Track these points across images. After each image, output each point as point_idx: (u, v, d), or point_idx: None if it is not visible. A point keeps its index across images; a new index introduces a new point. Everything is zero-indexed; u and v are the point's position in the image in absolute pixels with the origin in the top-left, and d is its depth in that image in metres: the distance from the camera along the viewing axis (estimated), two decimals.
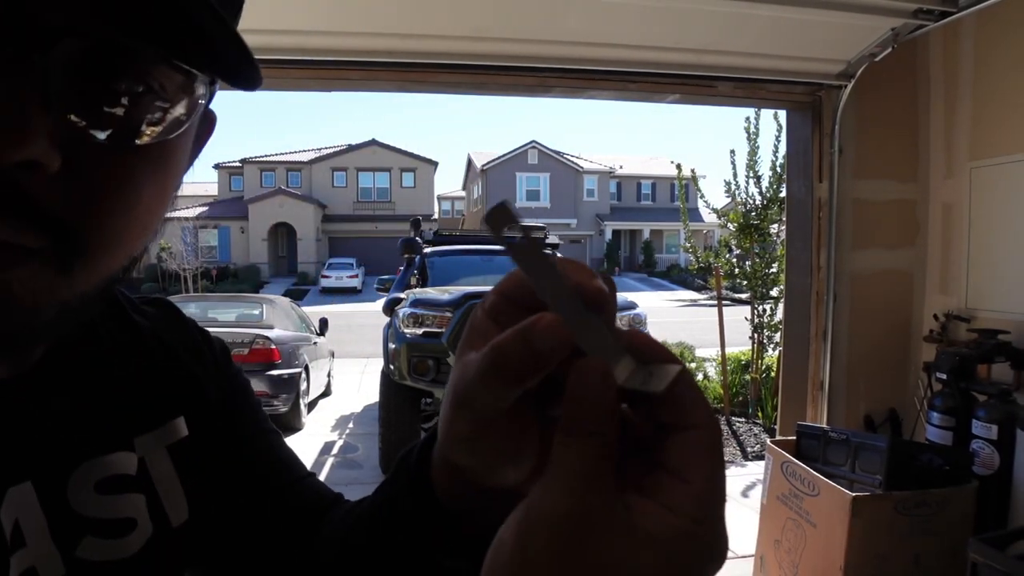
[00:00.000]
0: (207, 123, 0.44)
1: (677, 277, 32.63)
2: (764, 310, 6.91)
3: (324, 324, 8.35)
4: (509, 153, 36.64)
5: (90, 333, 0.47)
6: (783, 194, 5.58)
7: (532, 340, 0.29)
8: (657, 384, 0.28)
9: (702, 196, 8.16)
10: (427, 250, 6.50)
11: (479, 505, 0.36)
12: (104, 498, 0.43)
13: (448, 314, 4.61)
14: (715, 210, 7.93)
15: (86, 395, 0.45)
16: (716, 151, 30.26)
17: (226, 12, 0.32)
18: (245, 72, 0.34)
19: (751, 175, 6.94)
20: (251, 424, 0.57)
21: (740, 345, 7.44)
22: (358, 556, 0.46)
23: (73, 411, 0.44)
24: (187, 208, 31.00)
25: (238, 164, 35.51)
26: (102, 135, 0.31)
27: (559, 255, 0.30)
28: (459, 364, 0.32)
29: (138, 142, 0.32)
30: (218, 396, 0.55)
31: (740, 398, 7.08)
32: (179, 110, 0.34)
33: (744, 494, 4.66)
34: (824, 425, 3.43)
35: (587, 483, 0.26)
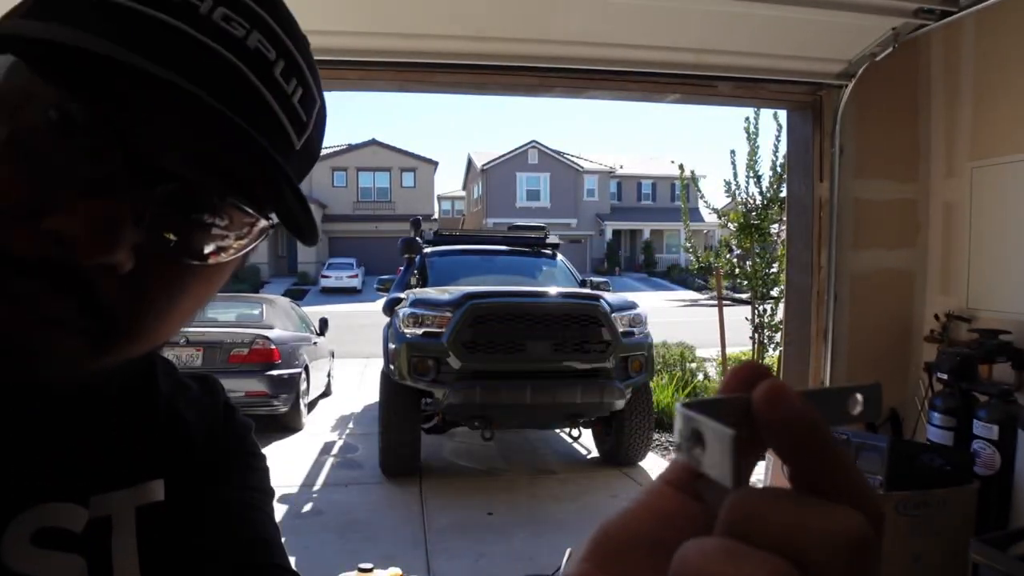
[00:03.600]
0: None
1: (677, 277, 32.62)
2: (764, 310, 6.91)
3: (324, 324, 8.34)
4: (509, 153, 36.63)
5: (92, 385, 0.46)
6: (783, 194, 5.58)
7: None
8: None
9: (702, 196, 8.16)
10: (427, 250, 6.49)
11: None
12: (38, 552, 0.39)
13: (448, 314, 4.60)
14: (715, 210, 7.93)
15: (50, 437, 0.43)
16: (716, 151, 30.29)
17: (298, 177, 0.41)
18: (306, 229, 0.44)
19: (751, 175, 6.93)
20: (248, 503, 0.54)
21: (740, 345, 7.44)
22: None
23: (35, 452, 0.41)
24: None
25: None
26: (171, 253, 0.37)
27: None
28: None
29: (196, 263, 0.38)
30: (215, 467, 0.52)
31: None
32: (240, 243, 0.40)
33: None
34: None
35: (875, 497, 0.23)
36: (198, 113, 0.34)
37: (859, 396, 0.25)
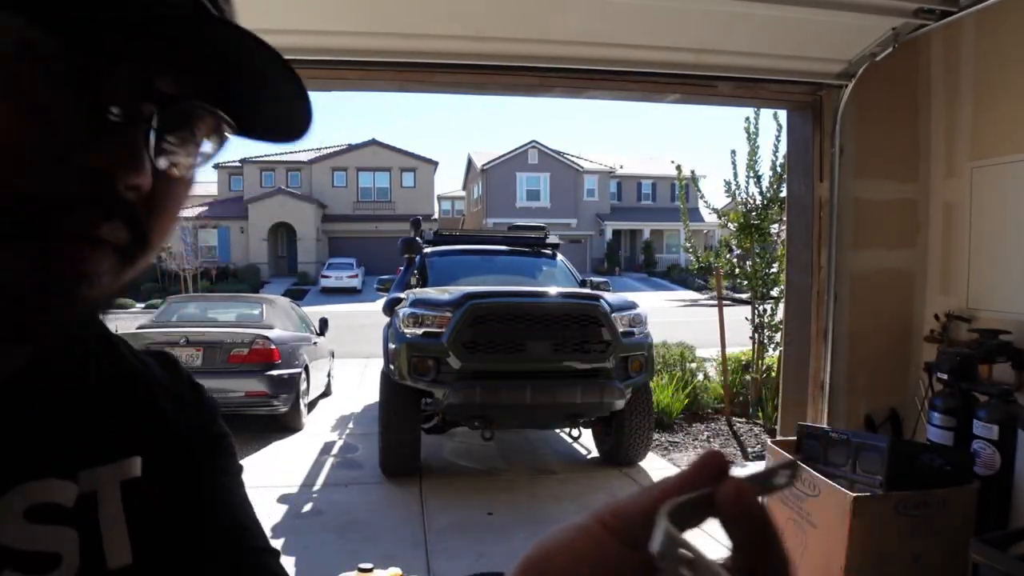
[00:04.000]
0: None
1: (677, 277, 32.61)
2: (764, 310, 6.90)
3: (324, 324, 8.34)
4: (509, 153, 36.61)
5: (69, 360, 0.48)
6: (783, 194, 5.58)
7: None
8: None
9: (702, 196, 8.16)
10: (427, 250, 6.48)
11: None
12: (32, 527, 0.41)
13: (448, 314, 4.60)
14: (715, 210, 7.93)
15: (38, 416, 0.44)
16: (716, 151, 30.26)
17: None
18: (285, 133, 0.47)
19: (751, 175, 6.93)
20: (223, 486, 0.55)
21: (740, 345, 7.43)
22: None
23: (20, 430, 0.42)
24: (187, 208, 30.94)
25: (238, 164, 35.46)
26: (176, 169, 0.42)
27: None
28: None
29: (187, 175, 0.44)
30: (188, 446, 0.53)
31: (740, 398, 7.08)
32: (215, 147, 0.45)
33: None
34: (825, 425, 3.43)
35: None
36: (175, 35, 0.38)
37: (784, 472, 0.32)
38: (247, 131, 0.46)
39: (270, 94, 0.43)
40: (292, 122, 0.45)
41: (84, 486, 0.44)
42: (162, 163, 0.41)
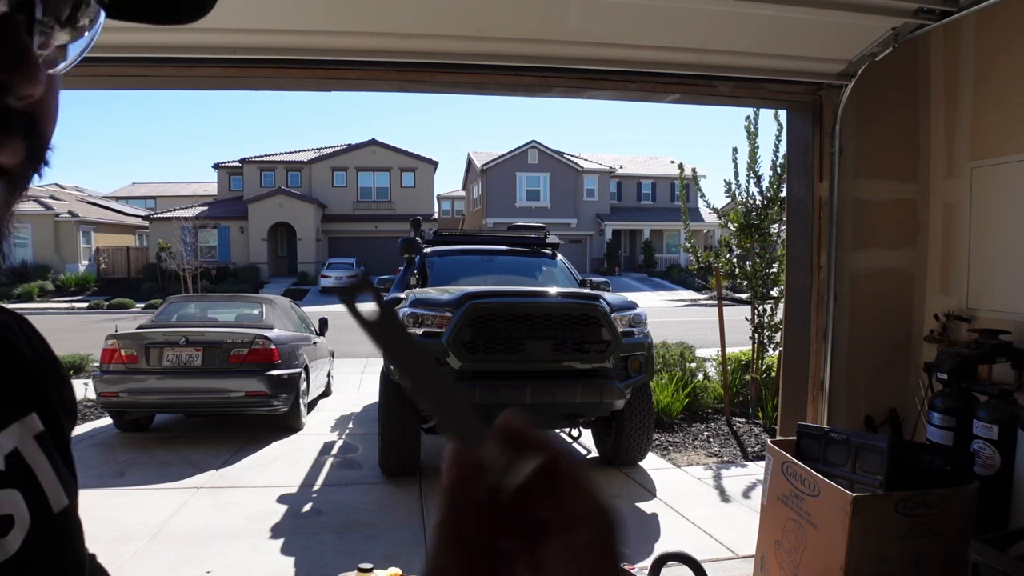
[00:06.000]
0: None
1: (677, 277, 32.60)
2: (764, 310, 6.90)
3: (324, 324, 8.34)
4: (509, 153, 36.60)
5: None
6: (783, 194, 5.58)
7: None
8: (511, 479, 0.27)
9: (702, 196, 8.15)
10: (427, 250, 6.49)
11: None
12: None
13: (448, 314, 4.60)
14: (715, 210, 7.93)
15: None
16: (716, 151, 30.37)
17: None
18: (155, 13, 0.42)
19: (751, 175, 6.93)
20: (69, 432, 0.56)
21: (740, 345, 7.44)
22: None
23: None
24: (187, 208, 31.01)
25: (238, 164, 35.47)
26: (53, 69, 0.37)
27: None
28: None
29: (73, 66, 0.39)
30: (64, 403, 0.54)
31: (740, 398, 7.08)
32: (91, 32, 0.40)
33: (745, 494, 4.65)
34: (824, 425, 3.43)
35: None
36: None
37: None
38: (122, 11, 0.41)
39: None
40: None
41: (4, 447, 0.44)
42: (50, 65, 0.37)
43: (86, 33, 0.40)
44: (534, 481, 0.28)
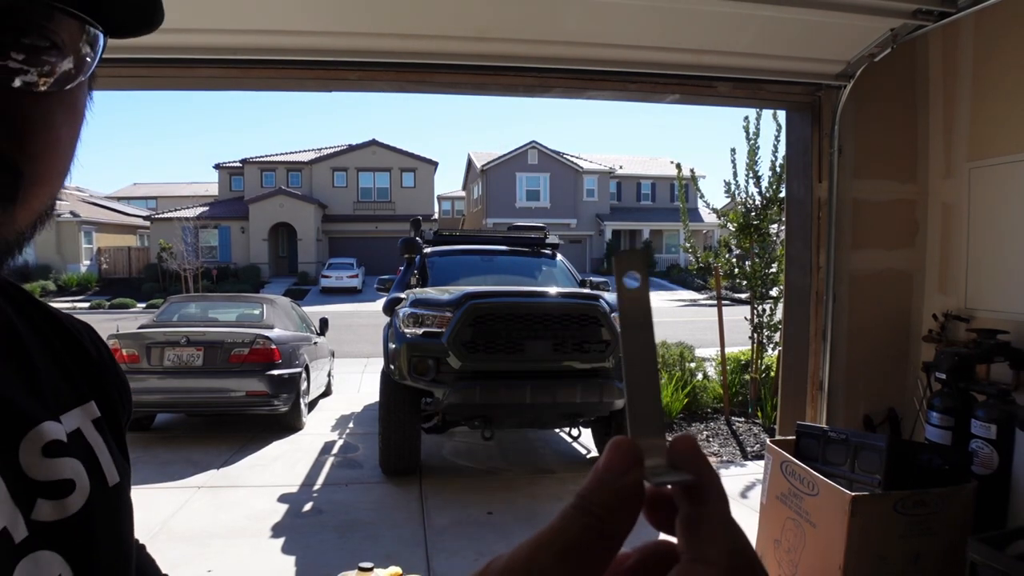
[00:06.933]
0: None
1: (677, 277, 32.61)
2: (764, 310, 6.91)
3: (324, 324, 8.35)
4: (509, 153, 36.60)
5: (4, 312, 0.51)
6: (783, 194, 5.59)
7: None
8: (661, 480, 0.31)
9: (702, 196, 8.16)
10: (427, 250, 6.49)
11: None
12: (48, 461, 0.46)
13: (448, 314, 4.61)
14: (715, 210, 7.94)
15: (19, 369, 0.49)
16: (716, 151, 30.34)
17: None
18: (134, 24, 0.43)
19: (751, 175, 6.94)
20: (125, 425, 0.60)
21: (740, 345, 7.44)
22: None
23: (13, 379, 0.47)
24: (188, 208, 31.03)
25: (238, 164, 35.47)
26: (18, 82, 0.37)
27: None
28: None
29: (55, 89, 0.39)
30: (121, 391, 0.60)
31: (740, 398, 7.09)
32: (86, 60, 0.41)
33: (744, 494, 4.66)
34: (823, 425, 3.44)
35: (579, 556, 0.29)
36: None
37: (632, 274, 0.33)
38: (105, 28, 0.42)
39: None
40: (143, 9, 0.43)
41: (68, 426, 0.50)
42: (11, 79, 0.37)
43: (86, 58, 0.41)
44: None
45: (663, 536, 0.34)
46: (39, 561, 0.42)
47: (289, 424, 6.63)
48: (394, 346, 4.82)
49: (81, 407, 0.52)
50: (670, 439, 0.33)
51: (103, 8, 0.41)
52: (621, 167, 38.82)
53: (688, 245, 8.26)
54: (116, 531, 0.51)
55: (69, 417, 0.50)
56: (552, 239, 6.91)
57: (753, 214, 6.94)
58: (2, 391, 0.45)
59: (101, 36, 0.42)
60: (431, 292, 5.21)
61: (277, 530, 4.04)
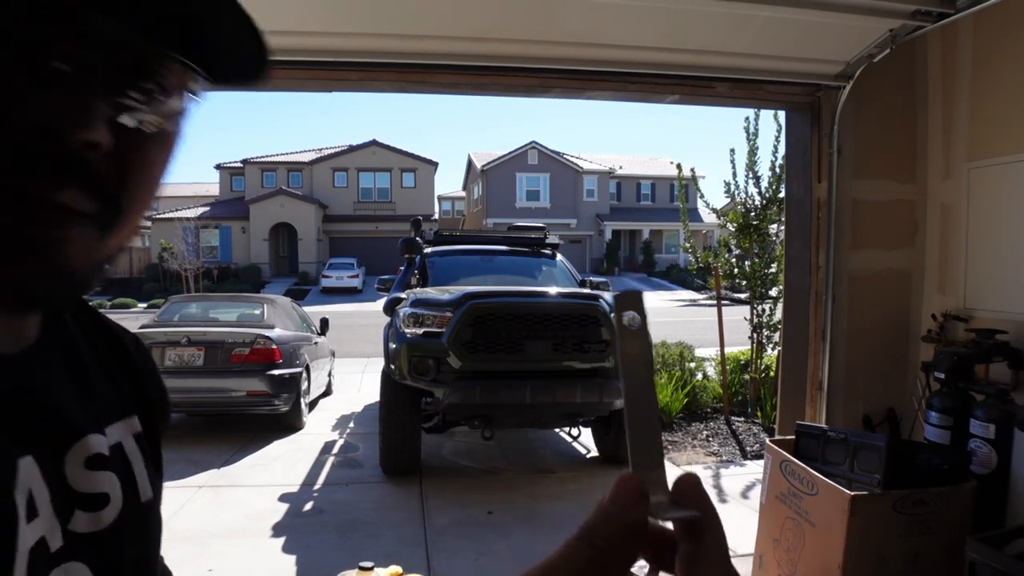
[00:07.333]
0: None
1: (677, 277, 32.59)
2: (763, 310, 6.92)
3: (325, 324, 8.36)
4: (509, 153, 36.60)
5: (63, 324, 0.52)
6: (782, 194, 5.59)
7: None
8: (664, 516, 0.33)
9: (702, 196, 8.17)
10: (427, 250, 6.50)
11: None
12: (90, 473, 0.47)
13: (448, 314, 4.62)
14: (715, 210, 7.94)
15: (76, 374, 0.50)
16: (716, 151, 30.34)
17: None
18: (239, 77, 0.47)
19: (750, 175, 6.94)
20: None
21: (739, 345, 7.45)
22: None
23: (66, 389, 0.48)
24: (188, 208, 31.02)
25: (239, 164, 35.47)
26: (131, 121, 0.40)
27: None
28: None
29: (153, 130, 0.41)
30: (160, 406, 0.61)
31: (739, 398, 7.09)
32: (179, 105, 0.43)
33: (743, 494, 4.66)
34: (823, 424, 3.44)
35: None
36: None
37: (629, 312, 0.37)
38: (211, 77, 0.45)
39: (226, 36, 0.42)
40: (251, 65, 0.46)
41: (111, 439, 0.51)
42: (125, 119, 0.39)
43: (180, 99, 0.43)
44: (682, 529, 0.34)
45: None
46: (69, 572, 0.43)
47: (290, 424, 6.64)
48: (394, 346, 4.82)
49: (125, 420, 0.54)
50: (680, 471, 0.36)
51: (215, 59, 0.43)
52: (621, 167, 38.82)
53: (688, 245, 8.26)
54: (143, 547, 0.53)
55: (113, 430, 0.52)
56: (552, 239, 6.92)
57: (753, 214, 6.94)
58: (56, 400, 0.46)
59: (200, 82, 0.44)
60: (431, 292, 5.22)
61: (278, 530, 4.04)
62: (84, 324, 0.55)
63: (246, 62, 0.46)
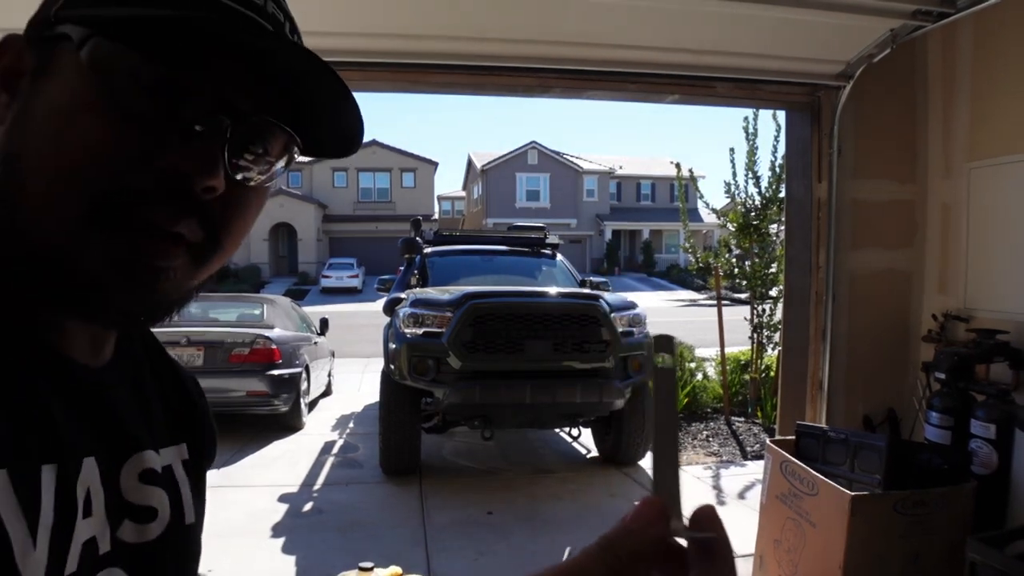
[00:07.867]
0: None
1: (677, 277, 32.60)
2: (763, 310, 6.91)
3: (324, 324, 8.35)
4: (509, 153, 36.60)
5: (135, 350, 0.57)
6: (782, 194, 5.59)
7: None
8: (683, 535, 0.37)
9: (701, 196, 8.17)
10: (427, 250, 6.49)
11: None
12: (142, 486, 0.51)
13: (448, 314, 4.61)
14: (715, 210, 7.94)
15: (139, 396, 0.55)
16: (716, 151, 30.31)
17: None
18: (331, 151, 0.55)
19: (750, 175, 6.94)
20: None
21: (740, 345, 7.45)
22: None
23: (132, 406, 0.53)
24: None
25: None
26: (241, 177, 0.47)
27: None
28: None
29: (254, 184, 0.49)
30: (208, 437, 0.66)
31: (740, 398, 7.09)
32: (280, 165, 0.50)
33: (743, 494, 4.66)
34: (823, 425, 3.44)
35: None
36: (255, 65, 0.45)
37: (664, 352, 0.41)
38: (311, 148, 0.52)
39: (331, 114, 0.50)
40: (348, 140, 0.53)
41: (164, 460, 0.55)
42: (237, 173, 0.46)
43: (279, 163, 0.50)
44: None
45: None
46: None
47: (289, 424, 6.63)
48: (394, 346, 4.82)
49: (176, 446, 0.58)
50: (679, 472, 0.40)
51: (315, 134, 0.51)
52: (621, 167, 38.82)
53: (688, 245, 8.26)
54: (182, 567, 0.56)
55: (166, 452, 0.55)
56: (552, 239, 6.91)
57: (753, 214, 6.94)
58: (121, 413, 0.51)
59: (296, 151, 0.51)
60: (431, 292, 5.22)
61: (277, 530, 4.04)
62: (151, 354, 0.60)
63: (343, 143, 0.53)
